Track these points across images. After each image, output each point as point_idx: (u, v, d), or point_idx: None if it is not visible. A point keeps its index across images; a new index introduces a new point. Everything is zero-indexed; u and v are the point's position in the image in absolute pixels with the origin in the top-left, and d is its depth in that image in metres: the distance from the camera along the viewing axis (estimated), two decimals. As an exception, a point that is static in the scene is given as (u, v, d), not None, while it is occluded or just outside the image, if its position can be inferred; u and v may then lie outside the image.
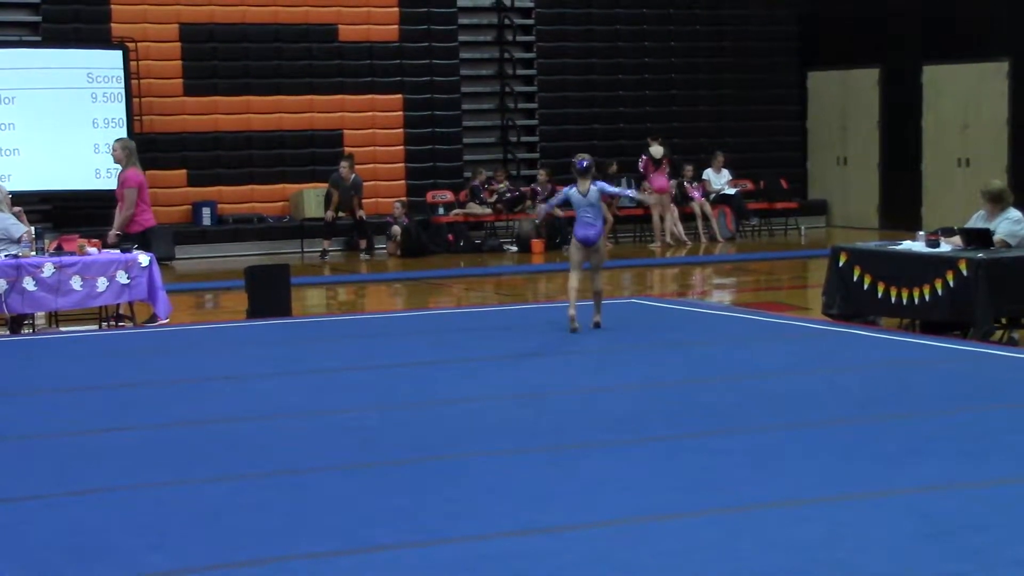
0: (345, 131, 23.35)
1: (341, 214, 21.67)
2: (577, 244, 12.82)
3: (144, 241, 14.39)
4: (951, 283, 11.96)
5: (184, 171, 22.58)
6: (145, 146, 21.78)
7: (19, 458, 8.04)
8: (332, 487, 7.20)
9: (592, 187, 12.62)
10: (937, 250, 12.43)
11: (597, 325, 12.70)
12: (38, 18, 22.19)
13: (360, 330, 13.71)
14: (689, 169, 23.99)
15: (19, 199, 14.90)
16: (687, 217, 23.66)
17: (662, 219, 23.12)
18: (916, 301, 12.34)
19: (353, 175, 21.65)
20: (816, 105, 26.48)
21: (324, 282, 19.06)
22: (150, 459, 7.90)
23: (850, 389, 9.75)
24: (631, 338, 12.49)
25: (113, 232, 14.57)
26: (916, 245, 12.78)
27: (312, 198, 22.12)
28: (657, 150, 22.94)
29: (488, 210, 23.07)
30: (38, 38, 22.05)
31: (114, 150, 14.82)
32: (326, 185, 21.82)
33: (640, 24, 25.74)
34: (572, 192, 12.71)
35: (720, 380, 10.20)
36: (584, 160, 12.69)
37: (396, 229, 21.92)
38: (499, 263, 21.03)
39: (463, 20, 24.87)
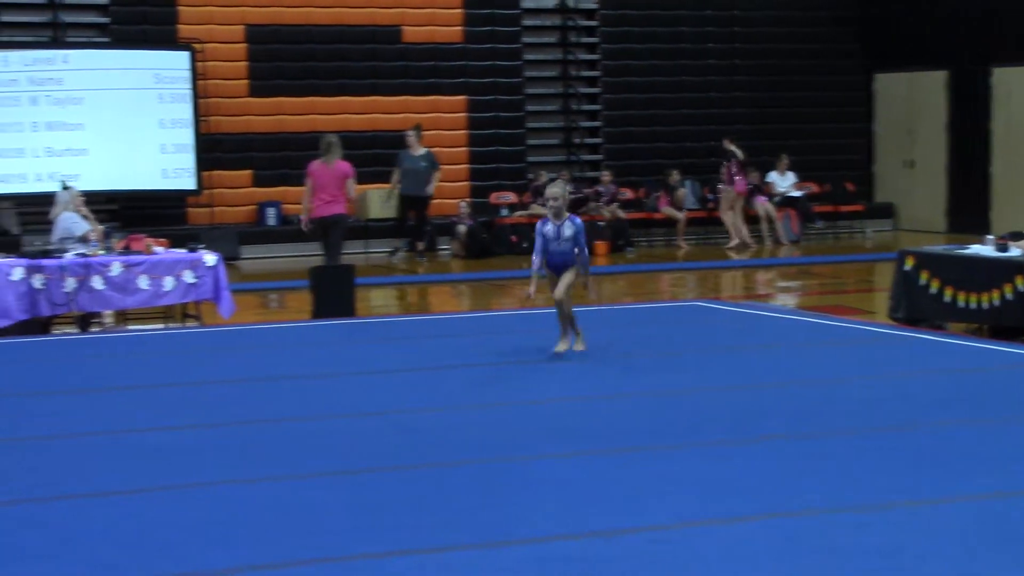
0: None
1: (409, 215, 21.44)
2: (550, 273, 11.40)
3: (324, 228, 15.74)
4: (1020, 288, 11.84)
5: (249, 171, 22.72)
6: (210, 146, 21.99)
7: (83, 455, 8.10)
8: (393, 488, 7.21)
9: (568, 223, 11.19)
10: (1006, 254, 12.31)
11: (574, 349, 11.52)
12: (107, 20, 22.40)
13: (423, 331, 13.73)
14: (755, 172, 23.89)
15: (87, 198, 15.07)
16: (752, 220, 23.57)
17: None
18: (984, 306, 12.23)
19: (424, 149, 21.27)
20: (883, 107, 26.28)
21: (388, 283, 19.11)
22: (212, 457, 7.95)
23: (916, 394, 9.66)
24: (693, 341, 12.44)
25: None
26: (984, 249, 12.67)
27: (376, 199, 22.17)
28: (739, 152, 22.92)
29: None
30: (107, 39, 22.25)
31: (322, 145, 15.99)
32: (390, 186, 21.76)
33: (704, 25, 25.65)
34: (546, 229, 11.22)
35: (783, 384, 10.14)
36: (556, 196, 11.17)
37: (461, 229, 21.94)
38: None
39: (527, 21, 24.89)
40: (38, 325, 13.60)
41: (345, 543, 6.21)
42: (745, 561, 5.88)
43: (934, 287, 12.76)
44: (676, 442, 8.16)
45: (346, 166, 15.81)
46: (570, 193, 22.89)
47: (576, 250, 11.24)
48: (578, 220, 11.28)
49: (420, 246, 21.73)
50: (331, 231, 15.80)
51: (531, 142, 24.69)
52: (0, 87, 20.71)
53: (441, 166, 21.41)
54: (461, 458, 7.85)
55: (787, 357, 11.48)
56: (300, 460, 7.86)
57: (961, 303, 12.47)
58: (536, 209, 22.99)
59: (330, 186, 15.66)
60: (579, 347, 11.51)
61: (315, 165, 15.78)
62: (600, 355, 11.65)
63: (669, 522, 6.47)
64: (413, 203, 21.24)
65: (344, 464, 7.73)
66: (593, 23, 25.23)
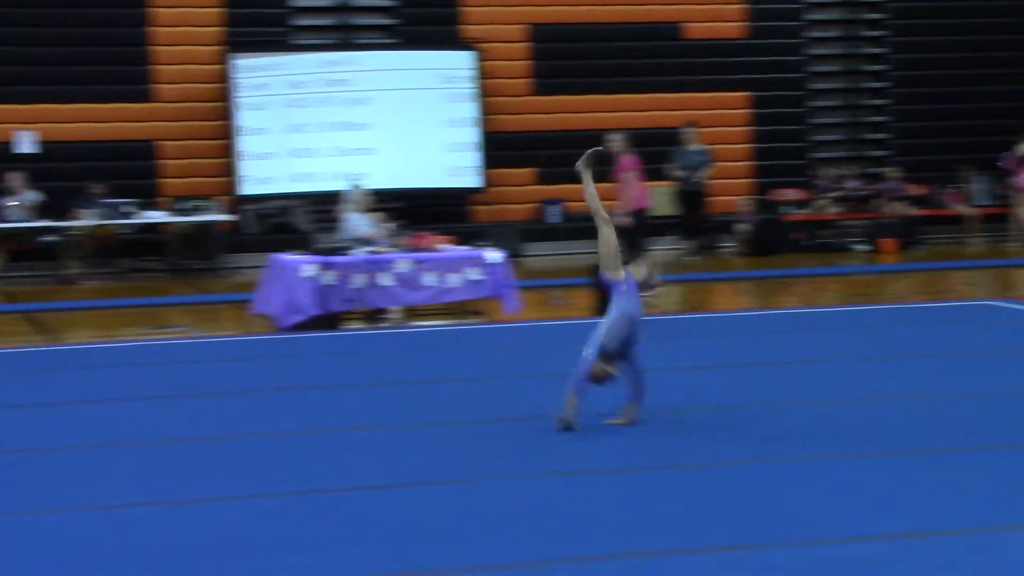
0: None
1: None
2: (629, 317, 8.49)
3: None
4: None
5: (532, 169, 22.94)
6: (493, 145, 22.27)
7: (372, 447, 8.24)
8: (668, 486, 7.15)
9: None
10: None
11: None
12: (394, 22, 22.92)
13: (705, 328, 13.63)
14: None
15: (375, 197, 15.46)
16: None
17: None
18: None
19: (700, 146, 21.21)
20: None
21: (668, 280, 18.99)
22: (491, 452, 7.99)
23: None
24: (983, 342, 12.04)
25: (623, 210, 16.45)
26: None
27: (659, 196, 22.10)
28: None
29: (836, 208, 22.66)
30: (394, 41, 22.77)
31: (612, 140, 16.58)
32: (673, 184, 21.69)
33: (997, 16, 24.82)
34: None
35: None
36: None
37: (742, 227, 21.74)
38: (847, 262, 20.62)
39: (811, 16, 24.51)
40: (329, 320, 13.97)
41: (616, 540, 6.17)
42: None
43: None
44: (963, 445, 7.90)
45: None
46: (856, 190, 22.57)
47: None
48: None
49: (700, 243, 21.60)
50: (643, 222, 16.15)
51: (815, 138, 24.32)
52: (293, 89, 21.42)
53: (714, 162, 21.27)
54: (739, 458, 7.74)
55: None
56: (576, 457, 7.86)
57: None
58: (820, 206, 22.62)
59: (640, 178, 16.08)
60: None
61: (630, 159, 16.10)
62: (886, 355, 11.38)
63: (956, 527, 6.26)
64: (691, 200, 21.17)
65: (618, 462, 7.70)
66: (879, 16, 24.69)
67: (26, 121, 21.15)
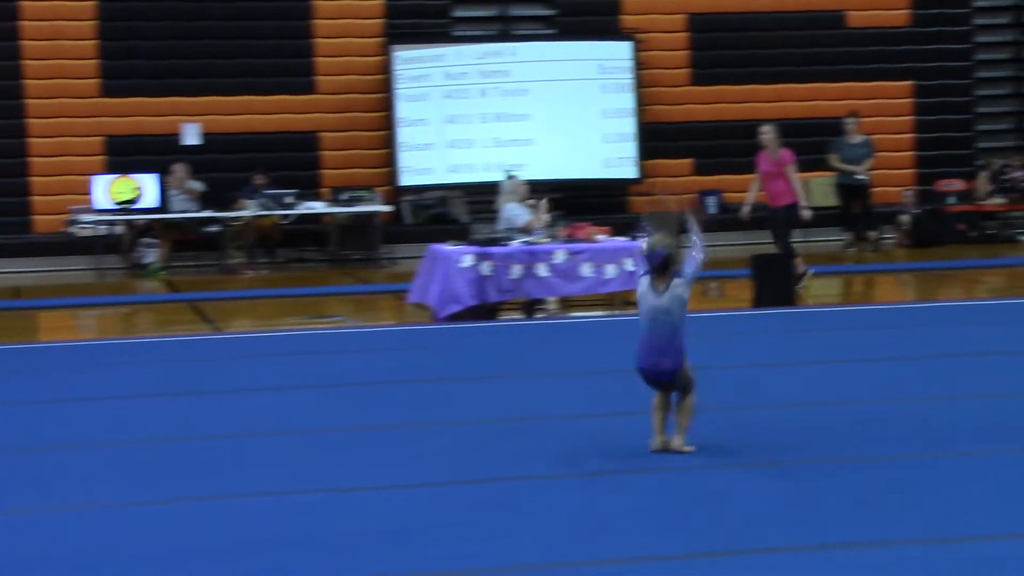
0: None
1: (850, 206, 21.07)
2: (646, 379, 7.91)
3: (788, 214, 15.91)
4: None
5: (690, 160, 22.80)
6: (651, 135, 22.18)
7: (513, 439, 8.26)
8: (826, 481, 7.06)
9: (676, 280, 7.84)
10: None
11: (671, 447, 7.71)
12: (552, 12, 22.95)
13: (865, 321, 13.43)
14: None
15: (532, 188, 15.49)
16: None
17: None
18: None
19: (862, 137, 20.95)
20: None
21: (829, 271, 18.76)
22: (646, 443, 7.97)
23: None
24: None
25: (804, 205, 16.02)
26: None
27: (818, 187, 21.81)
28: None
29: (1003, 200, 22.17)
30: (552, 31, 22.79)
31: (766, 132, 16.10)
32: (832, 174, 21.40)
33: None
34: (643, 291, 7.99)
35: None
36: (661, 250, 7.83)
37: (905, 218, 21.38)
38: (1013, 254, 20.16)
39: (978, 2, 24.00)
40: (486, 311, 14.04)
41: (783, 533, 6.13)
42: None
43: None
44: None
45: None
46: (1023, 180, 22.04)
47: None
48: (689, 268, 7.89)
49: (872, 235, 21.22)
50: (794, 216, 16.12)
51: (981, 127, 23.82)
52: (452, 80, 21.55)
53: (876, 152, 20.92)
54: (901, 452, 7.62)
55: None
56: (738, 449, 7.80)
57: None
58: (985, 196, 22.14)
59: (796, 171, 16.09)
60: (675, 440, 7.74)
61: (788, 152, 16.06)
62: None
63: None
64: (852, 191, 20.87)
65: (773, 455, 7.62)
66: (1049, 2, 24.13)
67: (191, 113, 21.57)
